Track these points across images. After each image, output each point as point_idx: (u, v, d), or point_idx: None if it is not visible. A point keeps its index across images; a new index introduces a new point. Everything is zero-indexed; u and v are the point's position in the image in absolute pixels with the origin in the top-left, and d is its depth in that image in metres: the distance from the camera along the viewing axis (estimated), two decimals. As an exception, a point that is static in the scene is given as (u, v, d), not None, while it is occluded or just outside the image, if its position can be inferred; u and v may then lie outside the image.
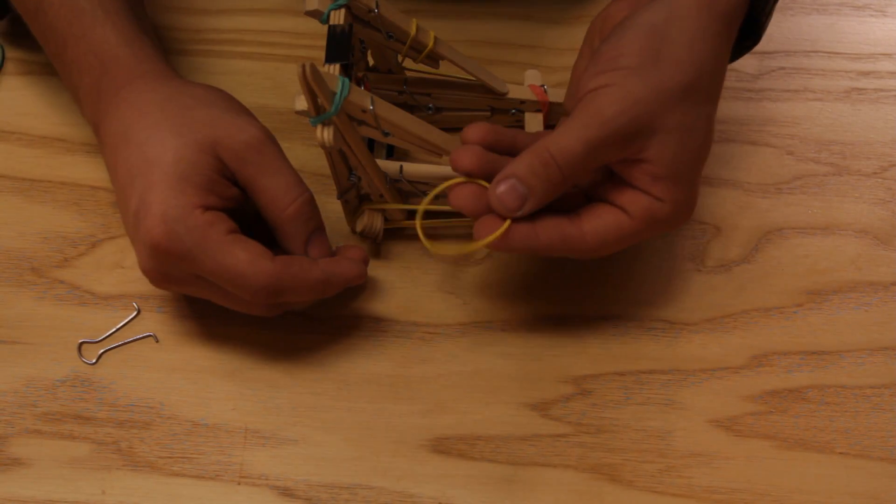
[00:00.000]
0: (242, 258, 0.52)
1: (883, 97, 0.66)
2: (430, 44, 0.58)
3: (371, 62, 0.63)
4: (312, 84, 0.49)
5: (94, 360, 0.59)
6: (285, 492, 0.56)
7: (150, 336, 0.60)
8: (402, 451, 0.56)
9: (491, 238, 0.51)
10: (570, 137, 0.50)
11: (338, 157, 0.55)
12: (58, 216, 0.63)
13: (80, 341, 0.59)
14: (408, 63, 0.61)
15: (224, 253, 0.52)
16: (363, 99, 0.52)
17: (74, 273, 0.61)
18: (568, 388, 0.58)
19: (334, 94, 0.50)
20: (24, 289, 0.61)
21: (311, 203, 0.55)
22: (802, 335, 0.59)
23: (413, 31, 0.57)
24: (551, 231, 0.52)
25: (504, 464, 0.56)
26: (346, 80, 0.51)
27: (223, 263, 0.52)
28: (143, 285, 0.61)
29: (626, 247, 0.53)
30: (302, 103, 0.51)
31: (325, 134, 0.52)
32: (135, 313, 0.60)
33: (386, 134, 0.54)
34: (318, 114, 0.51)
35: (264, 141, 0.54)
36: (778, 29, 0.69)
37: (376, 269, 0.61)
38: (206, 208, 0.52)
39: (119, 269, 0.61)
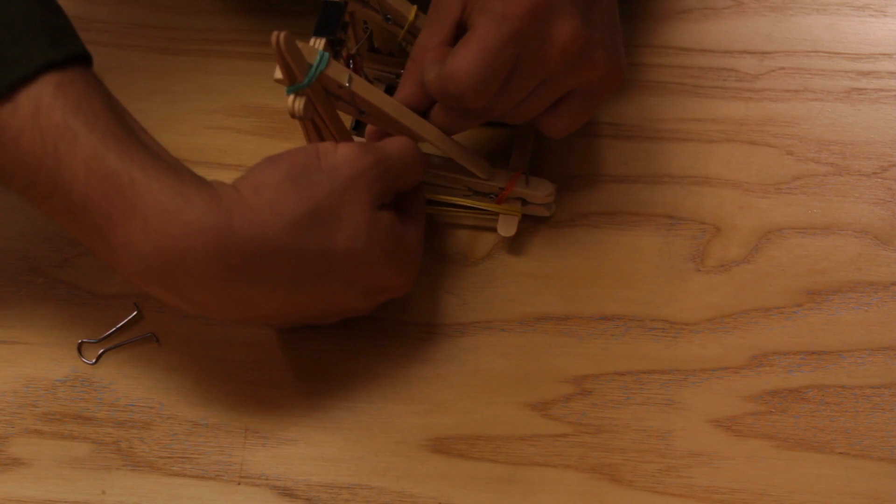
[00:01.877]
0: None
1: (883, 97, 0.66)
2: None
3: (376, 45, 0.64)
4: (285, 54, 0.50)
5: (94, 360, 0.59)
6: (285, 492, 0.56)
7: (150, 336, 0.60)
8: (401, 451, 0.56)
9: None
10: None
11: (312, 129, 0.55)
12: (58, 216, 0.63)
13: (80, 341, 0.59)
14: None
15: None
16: (340, 74, 0.52)
17: (74, 273, 0.61)
18: (568, 388, 0.58)
19: (310, 66, 0.51)
20: (24, 289, 0.61)
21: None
22: (802, 335, 0.59)
23: (411, 17, 0.58)
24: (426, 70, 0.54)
25: (504, 464, 0.56)
26: (326, 54, 0.51)
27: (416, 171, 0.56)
28: (143, 285, 0.61)
29: (496, 65, 0.51)
30: (280, 72, 0.52)
31: (297, 104, 0.52)
32: (135, 313, 0.60)
33: (362, 112, 0.55)
34: (291, 83, 0.52)
35: (367, 151, 0.53)
36: (778, 29, 0.69)
37: (376, 269, 0.61)
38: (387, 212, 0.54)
39: (119, 269, 0.61)
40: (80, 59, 0.49)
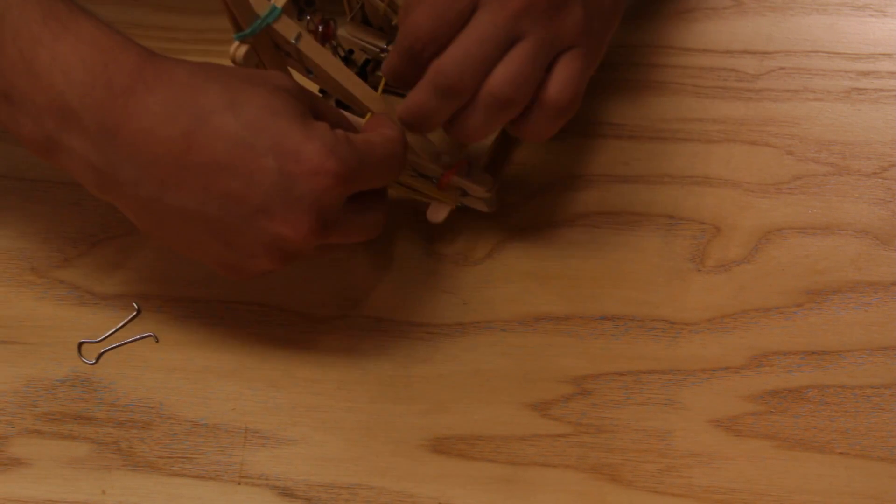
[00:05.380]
0: (391, 129, 0.53)
1: (883, 97, 0.66)
2: None
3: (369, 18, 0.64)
4: (229, 2, 0.50)
5: (94, 360, 0.59)
6: (285, 492, 0.56)
7: (150, 336, 0.60)
8: (401, 450, 0.56)
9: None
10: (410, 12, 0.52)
11: None
12: (58, 216, 0.63)
13: (80, 341, 0.59)
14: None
15: (380, 139, 0.52)
16: (289, 31, 0.52)
17: (74, 273, 0.61)
18: (568, 388, 0.58)
19: (257, 17, 0.51)
20: (24, 289, 0.61)
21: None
22: (802, 335, 0.59)
23: None
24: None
25: (504, 464, 0.56)
26: (278, 8, 0.52)
27: (387, 141, 0.52)
28: (143, 285, 0.61)
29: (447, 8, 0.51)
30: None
31: (238, 51, 0.53)
32: (135, 313, 0.60)
33: (309, 72, 0.55)
34: (238, 31, 0.52)
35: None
36: (778, 29, 0.69)
37: (375, 269, 0.61)
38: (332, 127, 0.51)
39: (119, 269, 0.61)
40: None
